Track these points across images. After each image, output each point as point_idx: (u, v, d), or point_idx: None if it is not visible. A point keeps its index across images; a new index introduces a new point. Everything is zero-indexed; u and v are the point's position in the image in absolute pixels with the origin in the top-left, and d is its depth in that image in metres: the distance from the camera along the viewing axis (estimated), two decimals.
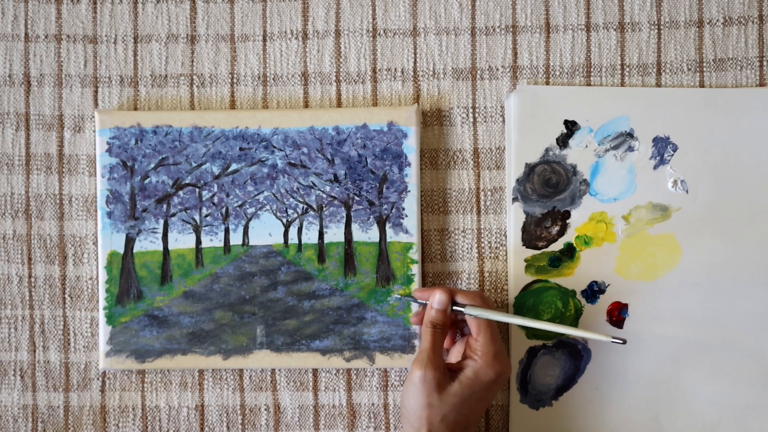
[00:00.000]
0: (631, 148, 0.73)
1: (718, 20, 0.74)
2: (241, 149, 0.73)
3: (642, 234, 0.72)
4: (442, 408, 0.64)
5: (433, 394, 0.64)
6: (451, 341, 0.71)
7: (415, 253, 0.72)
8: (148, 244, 0.73)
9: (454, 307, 0.67)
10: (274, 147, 0.73)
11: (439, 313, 0.67)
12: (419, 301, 0.70)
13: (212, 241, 0.73)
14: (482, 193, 0.74)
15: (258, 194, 0.73)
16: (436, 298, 0.67)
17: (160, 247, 0.73)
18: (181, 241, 0.73)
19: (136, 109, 0.75)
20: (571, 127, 0.73)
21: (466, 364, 0.66)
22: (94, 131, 0.73)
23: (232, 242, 0.73)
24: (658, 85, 0.74)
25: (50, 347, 0.74)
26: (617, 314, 0.72)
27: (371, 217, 0.73)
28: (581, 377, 0.72)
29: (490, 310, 0.67)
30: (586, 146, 0.73)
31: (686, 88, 0.73)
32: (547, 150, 0.73)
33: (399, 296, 0.72)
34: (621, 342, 0.64)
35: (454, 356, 0.70)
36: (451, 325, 0.70)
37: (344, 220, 0.73)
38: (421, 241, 0.73)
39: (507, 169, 0.73)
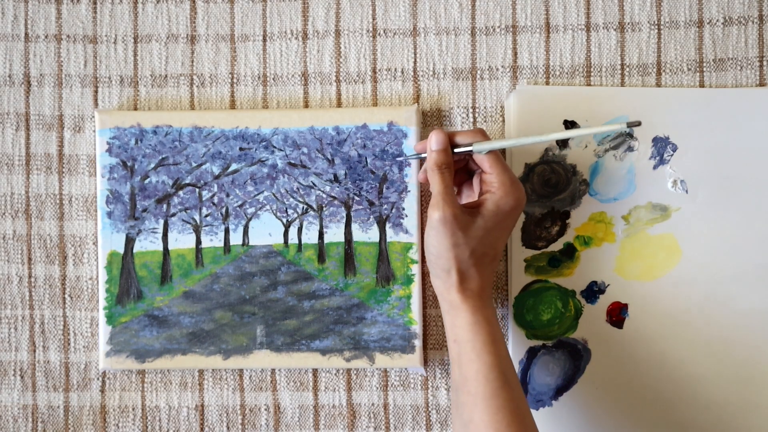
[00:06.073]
0: (630, 148, 0.73)
1: (718, 20, 0.74)
2: (241, 149, 0.73)
3: (642, 234, 0.72)
4: (469, 244, 0.63)
5: (458, 233, 0.63)
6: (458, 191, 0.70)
7: (415, 253, 0.72)
8: (148, 244, 0.73)
9: (461, 149, 0.66)
10: (274, 147, 0.73)
11: (440, 153, 0.65)
12: (421, 155, 0.69)
13: (212, 241, 0.73)
14: None
15: (258, 194, 0.73)
16: (433, 140, 0.66)
17: (160, 247, 0.73)
18: (181, 241, 0.73)
19: (136, 109, 0.75)
20: (570, 127, 0.73)
21: (486, 198, 0.65)
22: (94, 131, 0.73)
23: (232, 242, 0.73)
24: (658, 85, 0.74)
25: (50, 347, 0.74)
26: (617, 314, 0.72)
27: (371, 217, 0.73)
28: (581, 377, 0.72)
29: (497, 140, 0.66)
30: (586, 146, 0.73)
31: (686, 88, 0.73)
32: (546, 150, 0.73)
33: (403, 159, 0.72)
34: (637, 124, 0.62)
35: (464, 199, 0.70)
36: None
37: (344, 220, 0.73)
38: (421, 241, 0.73)
39: None
